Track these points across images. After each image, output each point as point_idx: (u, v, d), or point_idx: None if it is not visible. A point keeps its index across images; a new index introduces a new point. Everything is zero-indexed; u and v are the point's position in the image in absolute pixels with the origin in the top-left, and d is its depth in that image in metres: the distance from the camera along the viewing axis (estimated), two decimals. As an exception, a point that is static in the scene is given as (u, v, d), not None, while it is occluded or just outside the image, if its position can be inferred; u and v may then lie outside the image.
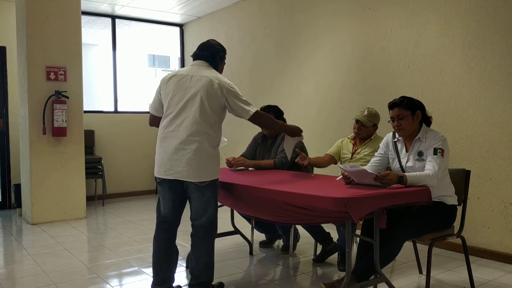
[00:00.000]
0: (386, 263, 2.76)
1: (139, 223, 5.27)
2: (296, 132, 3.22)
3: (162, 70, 15.15)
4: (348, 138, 3.68)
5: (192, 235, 2.86)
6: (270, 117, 3.08)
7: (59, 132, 5.18)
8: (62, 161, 5.29)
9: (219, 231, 3.02)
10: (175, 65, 12.66)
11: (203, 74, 2.78)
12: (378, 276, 2.68)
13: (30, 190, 5.16)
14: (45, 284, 3.26)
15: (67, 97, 5.24)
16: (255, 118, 2.85)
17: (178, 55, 7.99)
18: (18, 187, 5.70)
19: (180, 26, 7.74)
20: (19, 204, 5.70)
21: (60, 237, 4.61)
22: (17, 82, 5.61)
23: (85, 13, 6.59)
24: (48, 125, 5.15)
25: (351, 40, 4.85)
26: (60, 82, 5.24)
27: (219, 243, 3.04)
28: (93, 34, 8.13)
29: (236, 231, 3.95)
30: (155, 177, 2.85)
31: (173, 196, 2.82)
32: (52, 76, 5.19)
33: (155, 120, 2.95)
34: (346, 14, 4.89)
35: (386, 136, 3.10)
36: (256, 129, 3.92)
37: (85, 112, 5.61)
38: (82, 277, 3.47)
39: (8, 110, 6.08)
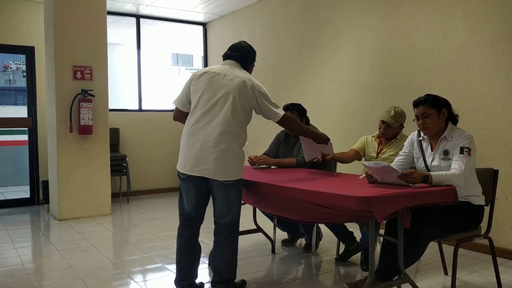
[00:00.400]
0: (410, 264, 2.72)
1: (163, 220, 5.33)
2: (322, 139, 3.22)
3: (186, 69, 15.27)
4: (372, 136, 3.63)
5: (215, 233, 2.88)
6: (297, 121, 3.16)
7: (85, 130, 5.28)
8: (88, 159, 5.39)
9: (241, 229, 3.03)
10: (198, 64, 12.77)
11: (236, 74, 2.80)
12: (402, 276, 2.64)
13: (58, 187, 5.28)
14: (71, 278, 3.34)
15: (93, 96, 5.33)
16: (283, 121, 2.90)
17: (201, 53, 8.04)
18: (46, 183, 5.83)
19: (203, 24, 7.78)
20: (47, 200, 5.84)
21: (86, 233, 4.71)
22: (45, 81, 5.75)
23: (110, 13, 6.69)
24: (74, 123, 5.26)
25: (375, 37, 4.79)
26: (86, 81, 5.34)
27: (241, 241, 3.05)
28: (118, 33, 8.24)
29: (258, 229, 3.95)
30: (179, 173, 2.86)
31: (197, 193, 2.83)
32: (78, 75, 5.30)
33: (180, 115, 2.96)
34: (370, 10, 4.83)
35: (411, 134, 3.05)
36: (279, 128, 3.91)
37: (110, 110, 5.71)
38: (107, 272, 3.53)
39: (36, 108, 6.23)
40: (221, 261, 2.86)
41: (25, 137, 6.34)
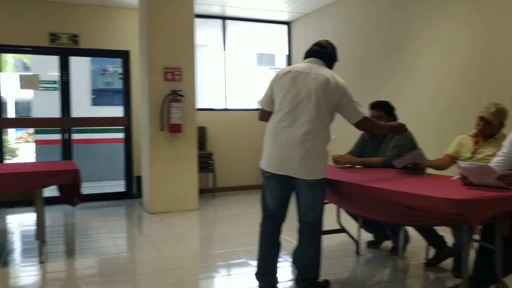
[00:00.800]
0: (510, 273, 2.52)
1: (247, 216, 5.43)
2: (400, 129, 3.15)
3: (270, 68, 15.43)
4: (468, 135, 3.40)
5: (299, 231, 2.89)
6: (374, 123, 3.08)
7: (175, 129, 5.54)
8: (177, 156, 5.65)
9: (325, 228, 3.00)
10: (280, 63, 12.86)
11: (319, 72, 2.78)
12: (500, 286, 2.46)
13: (150, 182, 5.60)
14: (162, 269, 3.52)
15: (182, 96, 5.58)
16: (361, 123, 2.86)
17: (284, 52, 8.07)
18: (139, 178, 6.21)
19: (287, 23, 7.81)
20: (140, 194, 6.22)
21: (175, 226, 4.94)
22: (139, 82, 6.12)
23: (198, 15, 6.94)
24: (165, 122, 5.54)
25: (471, 29, 4.48)
26: (176, 82, 5.60)
27: (325, 240, 3.03)
28: (205, 35, 8.53)
29: (342, 230, 3.89)
30: (263, 171, 2.90)
31: (281, 192, 2.86)
32: (169, 76, 5.57)
33: (265, 115, 2.98)
34: (465, 1, 4.53)
35: (511, 133, 2.81)
36: (364, 126, 3.82)
37: (198, 109, 5.93)
38: (194, 265, 3.69)
39: (131, 108, 6.65)
40: (305, 259, 2.86)
41: (121, 135, 6.81)
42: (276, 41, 8.29)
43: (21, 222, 5.40)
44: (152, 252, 4.02)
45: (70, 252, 4.15)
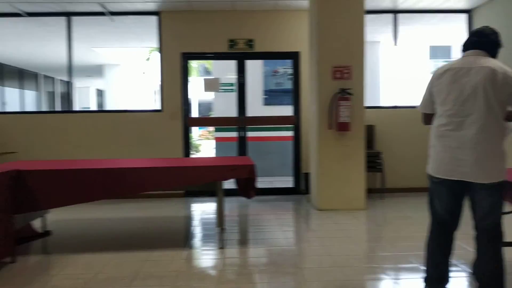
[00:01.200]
0: None
1: (418, 220, 5.12)
2: None
3: (444, 62, 14.34)
4: None
5: (476, 239, 2.68)
6: None
7: (343, 127, 5.54)
8: (345, 154, 5.64)
9: (509, 239, 2.69)
10: (458, 55, 11.89)
11: (482, 65, 2.54)
12: None
13: (317, 179, 5.72)
14: (329, 265, 3.58)
15: (351, 94, 5.55)
16: None
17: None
18: (307, 175, 6.38)
19: (468, 12, 7.12)
20: (307, 191, 6.39)
21: (342, 224, 4.95)
22: (308, 82, 6.28)
23: (368, 11, 6.79)
24: (333, 120, 5.58)
25: None
26: (344, 80, 5.59)
27: (511, 253, 2.70)
28: (375, 31, 8.32)
29: (534, 242, 3.40)
30: (430, 176, 2.75)
31: (452, 198, 2.68)
32: (337, 75, 5.60)
33: (428, 118, 2.85)
34: None
35: None
36: None
37: (366, 107, 5.83)
38: (361, 264, 3.66)
39: (300, 107, 6.87)
40: (484, 270, 2.64)
41: (290, 133, 7.08)
42: (452, 31, 7.66)
43: (203, 210, 6.04)
44: (320, 248, 4.10)
45: (244, 240, 4.50)
